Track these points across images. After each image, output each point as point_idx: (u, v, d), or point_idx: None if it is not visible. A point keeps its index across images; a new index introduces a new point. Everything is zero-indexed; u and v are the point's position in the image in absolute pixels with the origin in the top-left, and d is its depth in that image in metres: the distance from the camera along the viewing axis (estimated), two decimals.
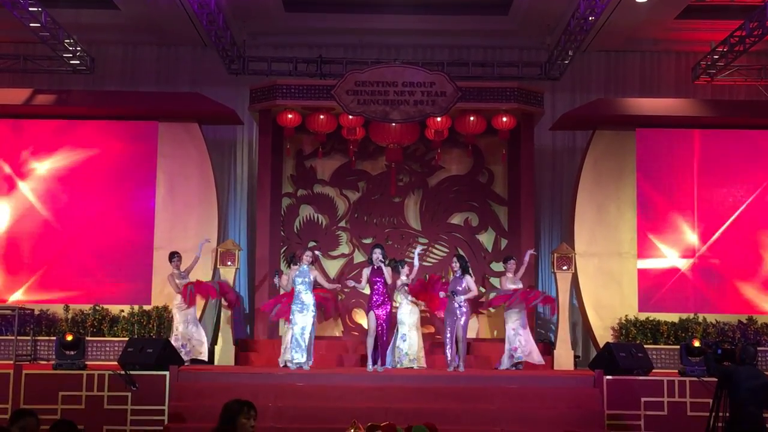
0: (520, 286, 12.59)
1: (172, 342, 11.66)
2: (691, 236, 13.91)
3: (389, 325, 11.56)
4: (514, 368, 12.17)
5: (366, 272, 11.48)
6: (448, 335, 11.61)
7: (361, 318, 14.04)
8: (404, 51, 15.56)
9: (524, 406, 10.03)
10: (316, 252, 12.30)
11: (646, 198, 13.97)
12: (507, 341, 12.32)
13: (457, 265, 11.82)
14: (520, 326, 12.27)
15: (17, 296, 13.53)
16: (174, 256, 12.67)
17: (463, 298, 11.60)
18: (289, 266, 12.13)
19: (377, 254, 11.35)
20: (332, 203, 14.55)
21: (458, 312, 11.59)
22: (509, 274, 12.60)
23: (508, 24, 15.07)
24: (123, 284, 13.61)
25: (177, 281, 12.49)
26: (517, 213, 14.00)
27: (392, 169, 14.32)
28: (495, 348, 12.87)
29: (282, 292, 12.71)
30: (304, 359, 11.29)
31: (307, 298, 11.53)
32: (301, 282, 11.54)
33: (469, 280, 11.76)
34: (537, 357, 12.38)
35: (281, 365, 11.76)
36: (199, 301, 12.89)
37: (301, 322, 11.42)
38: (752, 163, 14.08)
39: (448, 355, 11.60)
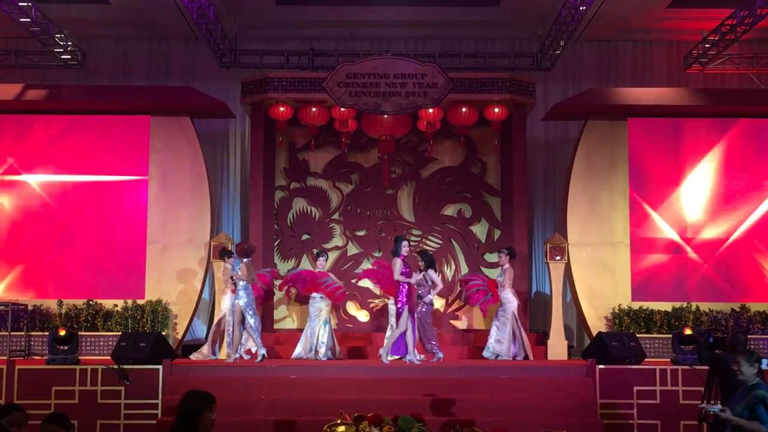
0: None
1: (226, 339, 11.84)
2: (683, 224, 13.92)
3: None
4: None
5: (400, 265, 11.09)
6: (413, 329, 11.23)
7: (355, 311, 14.04)
8: (396, 42, 15.55)
9: (517, 396, 10.09)
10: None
11: (638, 187, 13.98)
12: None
13: (420, 260, 11.70)
14: (496, 320, 12.28)
15: (6, 292, 13.52)
16: (231, 254, 12.10)
17: (431, 297, 11.67)
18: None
19: (407, 246, 11.20)
20: (325, 196, 14.53)
21: (421, 306, 11.61)
22: (505, 266, 12.52)
23: (500, 15, 15.06)
24: (116, 279, 13.59)
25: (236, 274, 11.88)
26: (510, 203, 13.99)
27: (385, 161, 14.29)
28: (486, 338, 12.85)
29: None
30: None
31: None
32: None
33: (432, 275, 11.74)
34: (505, 354, 12.11)
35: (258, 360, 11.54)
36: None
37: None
38: (745, 151, 14.08)
39: (413, 349, 11.18)
